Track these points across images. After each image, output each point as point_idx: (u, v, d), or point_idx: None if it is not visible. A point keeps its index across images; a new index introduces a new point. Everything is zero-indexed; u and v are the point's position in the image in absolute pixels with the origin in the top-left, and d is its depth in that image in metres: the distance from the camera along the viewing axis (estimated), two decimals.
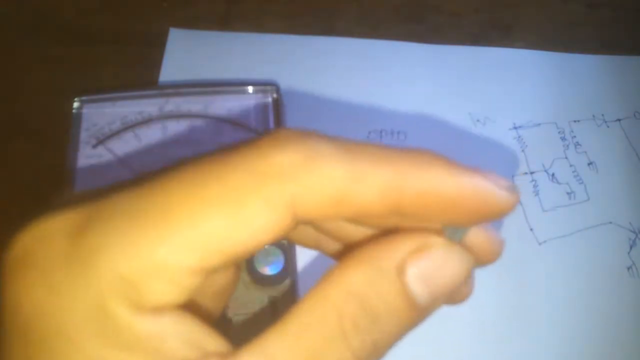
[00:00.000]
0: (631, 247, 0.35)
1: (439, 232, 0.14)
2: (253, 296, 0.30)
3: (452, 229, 0.14)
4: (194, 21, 0.42)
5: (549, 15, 0.44)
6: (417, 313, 0.14)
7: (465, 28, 0.43)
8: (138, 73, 0.40)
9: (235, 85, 0.36)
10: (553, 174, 0.38)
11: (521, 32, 0.43)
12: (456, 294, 0.16)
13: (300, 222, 0.13)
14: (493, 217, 0.14)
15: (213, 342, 0.13)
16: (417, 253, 0.14)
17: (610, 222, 0.36)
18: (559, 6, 0.45)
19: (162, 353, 0.12)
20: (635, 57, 0.42)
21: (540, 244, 0.35)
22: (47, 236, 0.13)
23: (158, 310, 0.13)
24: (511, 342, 0.32)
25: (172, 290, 0.13)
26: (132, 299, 0.12)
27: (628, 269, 0.35)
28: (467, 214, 0.14)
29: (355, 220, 0.16)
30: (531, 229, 0.36)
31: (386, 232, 0.15)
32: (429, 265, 0.14)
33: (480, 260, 0.15)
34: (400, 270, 0.14)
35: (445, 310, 0.35)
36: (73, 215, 0.13)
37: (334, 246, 0.18)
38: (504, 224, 0.36)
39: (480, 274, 0.36)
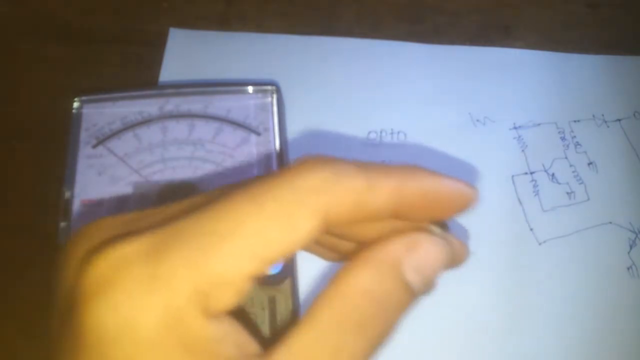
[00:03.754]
0: (631, 247, 0.35)
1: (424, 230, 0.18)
2: (253, 296, 0.30)
3: (437, 231, 0.18)
4: (194, 21, 0.42)
5: (549, 15, 0.44)
6: (413, 298, 0.17)
7: (465, 28, 0.43)
8: (138, 73, 0.40)
9: (235, 85, 0.36)
10: (553, 174, 0.38)
11: (521, 32, 0.43)
12: (455, 260, 0.19)
13: (327, 227, 0.16)
14: (464, 207, 0.18)
15: (250, 344, 0.15)
16: (409, 250, 0.17)
17: (610, 222, 0.36)
18: (559, 6, 0.45)
19: (220, 356, 0.14)
20: (635, 57, 0.42)
21: (540, 244, 0.35)
22: (126, 261, 0.14)
23: (220, 316, 0.15)
24: (511, 342, 0.32)
25: (234, 296, 0.15)
26: (204, 307, 0.14)
27: (628, 269, 0.35)
28: (447, 208, 0.17)
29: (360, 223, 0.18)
30: (531, 229, 0.36)
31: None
32: (419, 257, 0.17)
33: (454, 261, 0.19)
34: (398, 266, 0.16)
35: (445, 310, 0.35)
36: (147, 240, 0.15)
37: (329, 254, 0.22)
38: (504, 224, 0.36)
39: (481, 274, 0.36)
